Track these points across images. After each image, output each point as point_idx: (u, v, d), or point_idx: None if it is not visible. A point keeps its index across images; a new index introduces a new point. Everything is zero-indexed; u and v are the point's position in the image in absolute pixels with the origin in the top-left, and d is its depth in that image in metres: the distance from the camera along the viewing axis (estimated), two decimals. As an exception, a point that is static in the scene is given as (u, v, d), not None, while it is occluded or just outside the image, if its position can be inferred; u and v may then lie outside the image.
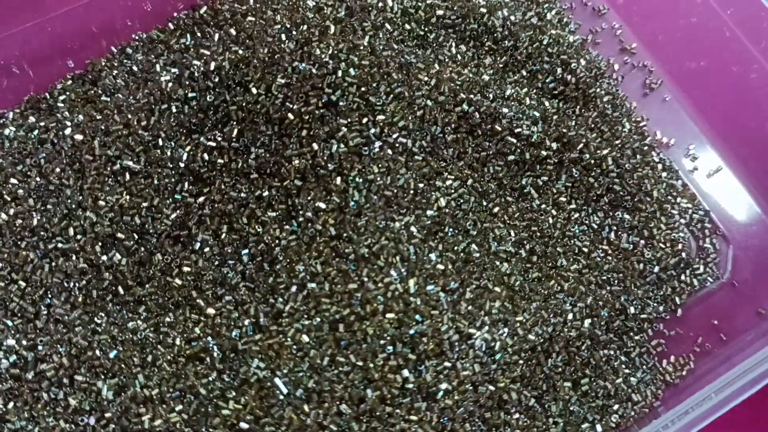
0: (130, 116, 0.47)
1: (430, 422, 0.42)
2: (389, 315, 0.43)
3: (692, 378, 0.51)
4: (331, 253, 0.45)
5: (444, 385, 0.42)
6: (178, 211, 0.46)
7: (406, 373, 0.42)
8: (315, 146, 0.47)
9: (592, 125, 0.54)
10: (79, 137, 0.47)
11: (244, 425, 0.41)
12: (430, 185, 0.48)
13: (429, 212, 0.47)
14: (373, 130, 0.48)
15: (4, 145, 0.49)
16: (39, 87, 0.51)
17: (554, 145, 0.51)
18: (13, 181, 0.47)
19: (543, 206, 0.51)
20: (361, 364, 0.43)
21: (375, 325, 0.43)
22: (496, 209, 0.50)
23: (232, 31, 0.52)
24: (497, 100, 0.51)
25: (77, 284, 0.44)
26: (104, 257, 0.45)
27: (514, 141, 0.51)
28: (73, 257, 0.45)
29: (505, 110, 0.51)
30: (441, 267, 0.45)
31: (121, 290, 0.45)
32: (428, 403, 0.42)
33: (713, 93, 0.59)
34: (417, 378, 0.42)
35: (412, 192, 0.47)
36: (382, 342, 0.43)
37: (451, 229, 0.48)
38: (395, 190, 0.47)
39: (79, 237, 0.45)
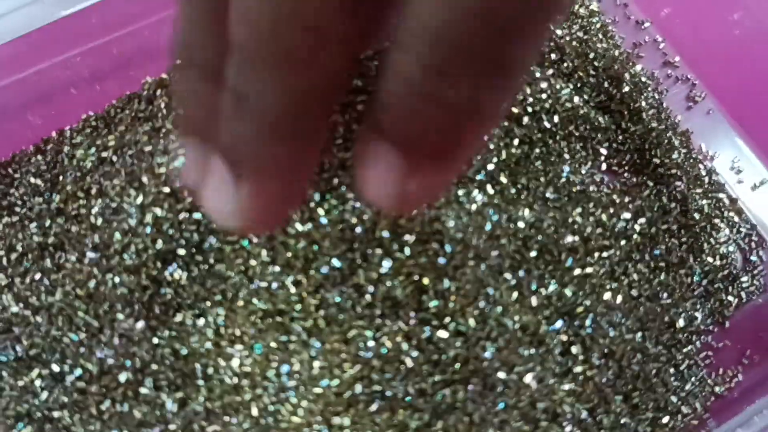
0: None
1: (486, 435, 0.43)
2: None
3: (740, 390, 0.52)
4: None
5: (501, 399, 0.43)
6: None
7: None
8: None
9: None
10: (137, 156, 0.49)
11: (304, 438, 0.42)
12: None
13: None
14: None
15: (64, 162, 0.51)
16: (97, 106, 0.53)
17: (602, 160, 0.52)
18: (74, 198, 0.49)
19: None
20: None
21: None
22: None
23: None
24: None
25: (140, 299, 0.46)
26: (165, 273, 0.46)
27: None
28: (136, 273, 0.46)
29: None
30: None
31: (181, 305, 0.46)
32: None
33: (757, 105, 0.59)
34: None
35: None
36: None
37: None
38: None
39: (141, 253, 0.46)
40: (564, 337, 0.47)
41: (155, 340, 0.45)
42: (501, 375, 0.44)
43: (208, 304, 0.46)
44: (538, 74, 0.54)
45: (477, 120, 0.20)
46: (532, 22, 0.18)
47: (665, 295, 0.51)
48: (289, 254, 0.47)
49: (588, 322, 0.48)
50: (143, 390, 0.43)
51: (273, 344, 0.45)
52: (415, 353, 0.44)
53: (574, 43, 0.55)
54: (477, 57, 0.18)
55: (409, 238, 0.46)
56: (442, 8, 0.17)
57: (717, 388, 0.51)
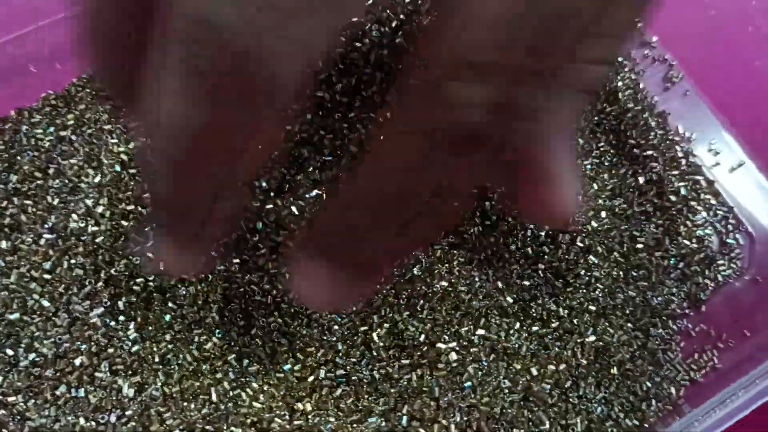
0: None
1: (454, 419, 0.42)
2: None
3: (716, 375, 0.51)
4: None
5: (469, 383, 0.42)
6: None
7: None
8: None
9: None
10: (97, 135, 0.47)
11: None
12: None
13: None
14: None
15: (22, 142, 0.49)
16: (56, 85, 0.51)
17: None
18: (31, 178, 0.47)
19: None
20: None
21: None
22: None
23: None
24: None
25: (97, 281, 0.44)
26: (123, 255, 0.44)
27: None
28: (93, 254, 0.44)
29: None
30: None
31: (139, 288, 0.45)
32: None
33: (734, 87, 0.58)
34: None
35: None
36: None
37: None
38: None
39: (98, 235, 0.44)
40: (536, 320, 0.46)
41: (112, 324, 0.43)
42: (469, 358, 0.43)
43: (167, 286, 0.45)
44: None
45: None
46: None
47: (642, 278, 0.50)
48: (256, 238, 0.46)
49: (561, 305, 0.47)
50: (99, 374, 0.42)
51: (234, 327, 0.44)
52: (381, 336, 0.43)
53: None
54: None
55: None
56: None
57: (692, 373, 0.50)
